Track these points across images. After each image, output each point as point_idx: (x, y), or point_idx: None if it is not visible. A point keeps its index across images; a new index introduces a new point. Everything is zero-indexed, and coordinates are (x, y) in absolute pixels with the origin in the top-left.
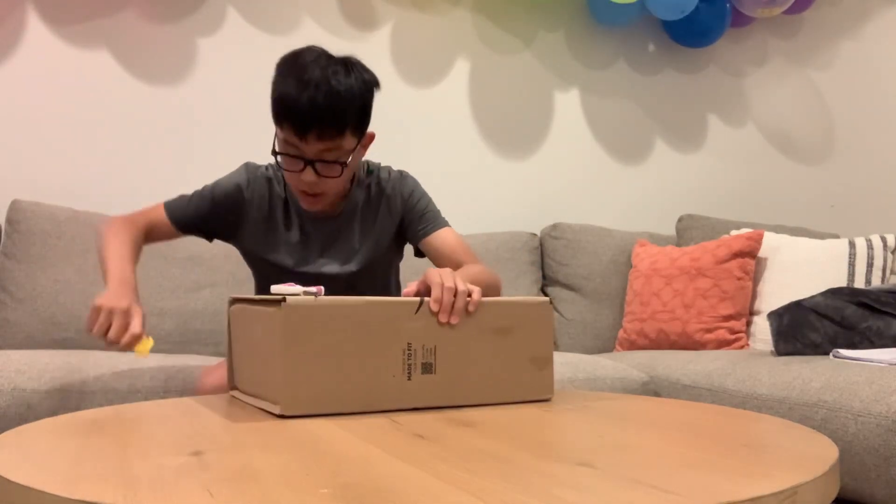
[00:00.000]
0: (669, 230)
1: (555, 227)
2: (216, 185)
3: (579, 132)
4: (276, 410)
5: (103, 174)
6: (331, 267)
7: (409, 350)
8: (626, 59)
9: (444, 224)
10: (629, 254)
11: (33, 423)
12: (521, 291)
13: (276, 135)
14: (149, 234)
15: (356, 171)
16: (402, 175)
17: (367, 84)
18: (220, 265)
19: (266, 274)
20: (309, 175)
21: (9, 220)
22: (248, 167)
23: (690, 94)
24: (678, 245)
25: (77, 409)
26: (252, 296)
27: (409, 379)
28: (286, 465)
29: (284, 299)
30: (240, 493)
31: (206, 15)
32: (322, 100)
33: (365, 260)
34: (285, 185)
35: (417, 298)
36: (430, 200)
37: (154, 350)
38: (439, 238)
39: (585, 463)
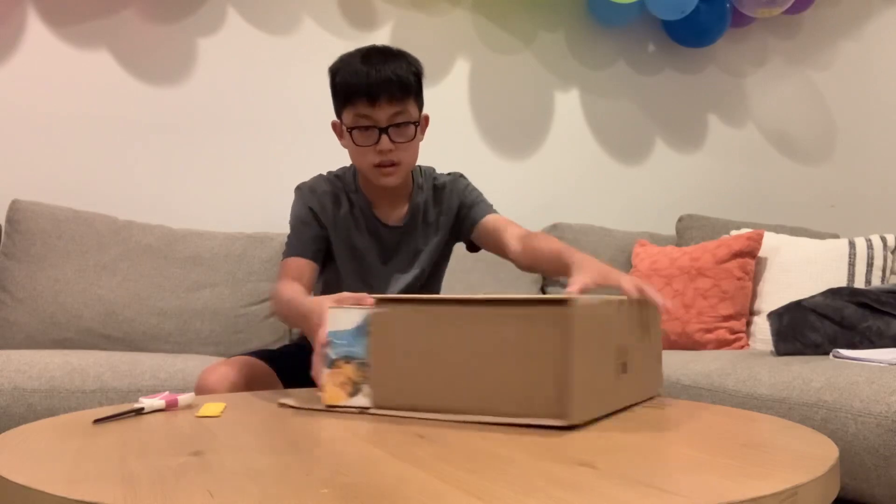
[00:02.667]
0: (669, 230)
1: (555, 227)
2: (294, 215)
3: (579, 132)
4: (556, 422)
5: (103, 174)
6: (400, 272)
7: (619, 349)
8: (626, 59)
9: (493, 210)
10: (629, 254)
11: (33, 423)
12: (521, 291)
13: (341, 128)
14: (303, 284)
15: (415, 175)
16: (458, 175)
17: (417, 61)
18: (220, 265)
19: (338, 281)
20: (385, 143)
21: (9, 220)
22: (302, 189)
23: (690, 94)
24: (678, 245)
25: (77, 409)
26: (431, 296)
27: (618, 379)
28: (286, 465)
29: (569, 299)
30: (240, 493)
31: (206, 15)
32: (386, 67)
33: (428, 261)
34: (348, 194)
35: (624, 297)
36: (480, 193)
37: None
38: (490, 220)
39: (585, 463)
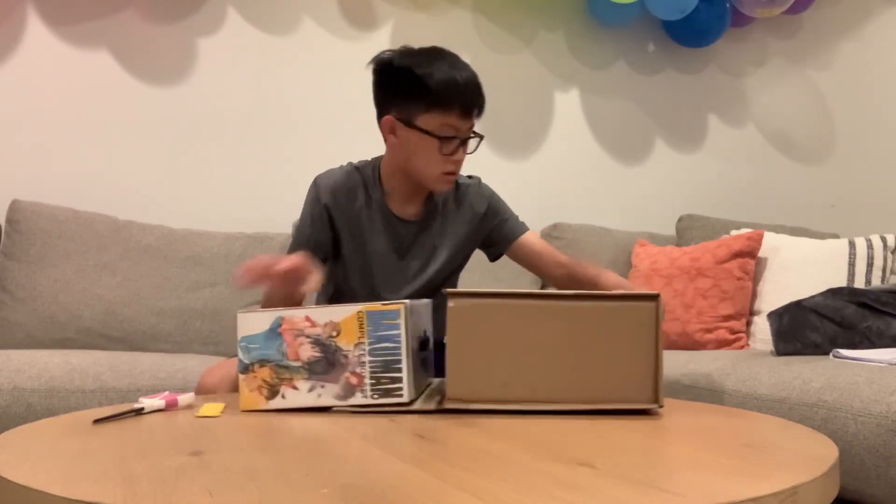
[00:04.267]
0: (669, 230)
1: (555, 227)
2: (306, 211)
3: (579, 132)
4: (650, 406)
5: (103, 174)
6: (419, 268)
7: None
8: (626, 59)
9: (527, 227)
10: (629, 254)
11: (33, 423)
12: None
13: (393, 125)
14: None
15: None
16: (480, 180)
17: None
18: (220, 265)
19: (353, 278)
20: (461, 154)
21: (9, 220)
22: (319, 184)
23: (690, 94)
24: (678, 245)
25: (77, 408)
26: (514, 290)
27: None
28: (286, 465)
29: (657, 295)
30: (240, 493)
31: (206, 15)
32: (474, 79)
33: (447, 259)
34: (366, 188)
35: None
36: (506, 204)
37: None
38: (530, 240)
39: (585, 463)
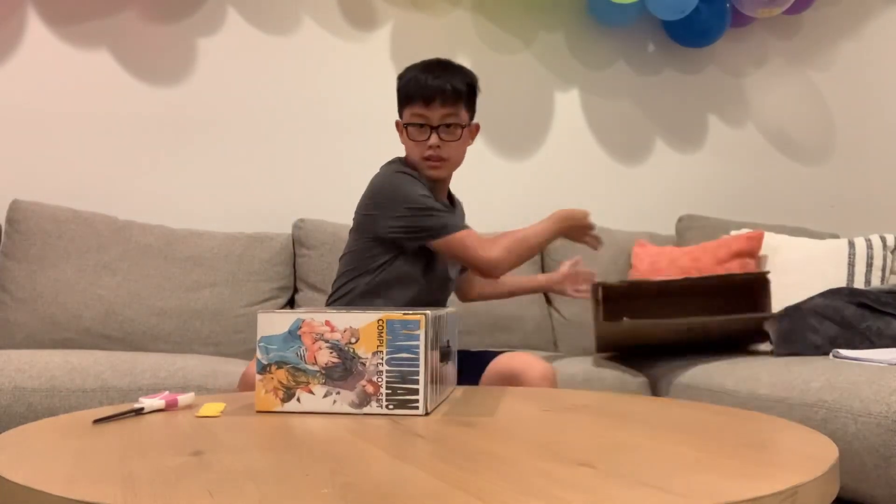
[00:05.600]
0: (669, 230)
1: None
2: (421, 193)
3: (579, 132)
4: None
5: (103, 174)
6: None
7: None
8: (626, 59)
9: None
10: (629, 254)
11: (33, 423)
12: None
13: (400, 124)
14: None
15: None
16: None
17: (472, 74)
18: (220, 265)
19: (412, 261)
20: (434, 139)
21: (9, 220)
22: (409, 174)
23: (690, 94)
24: (678, 245)
25: (77, 408)
26: None
27: None
28: (286, 465)
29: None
30: (240, 493)
31: (206, 15)
32: (442, 73)
33: None
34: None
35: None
36: None
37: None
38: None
39: (585, 463)
